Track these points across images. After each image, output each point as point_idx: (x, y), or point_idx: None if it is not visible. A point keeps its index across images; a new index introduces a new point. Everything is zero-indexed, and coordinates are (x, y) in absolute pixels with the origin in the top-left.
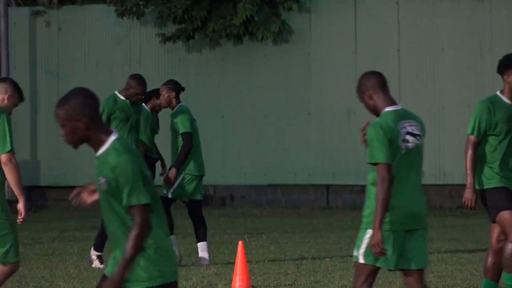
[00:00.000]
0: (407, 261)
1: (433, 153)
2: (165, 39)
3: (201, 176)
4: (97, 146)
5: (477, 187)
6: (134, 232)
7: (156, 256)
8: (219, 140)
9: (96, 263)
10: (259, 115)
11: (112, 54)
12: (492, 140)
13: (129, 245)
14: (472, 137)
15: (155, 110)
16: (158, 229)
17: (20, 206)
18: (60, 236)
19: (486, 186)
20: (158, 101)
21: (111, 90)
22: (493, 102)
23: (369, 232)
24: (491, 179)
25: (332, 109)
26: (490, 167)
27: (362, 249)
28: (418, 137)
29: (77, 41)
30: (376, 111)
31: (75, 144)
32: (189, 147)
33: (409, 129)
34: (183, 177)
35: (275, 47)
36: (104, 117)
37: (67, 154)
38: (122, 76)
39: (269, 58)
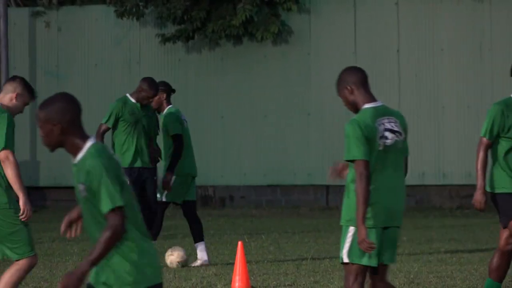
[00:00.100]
0: (380, 256)
1: (433, 153)
2: (165, 39)
3: (193, 177)
4: (73, 151)
5: (488, 189)
6: (105, 234)
7: (140, 260)
8: (219, 141)
9: None
10: (259, 116)
11: (111, 54)
12: (504, 142)
13: (98, 245)
14: (485, 139)
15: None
16: (138, 233)
17: (20, 203)
18: (60, 237)
19: (498, 191)
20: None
21: (111, 91)
22: (508, 104)
23: (351, 230)
24: (504, 184)
25: (332, 109)
26: (503, 170)
27: (345, 248)
28: (397, 134)
29: (77, 41)
30: (355, 107)
31: (51, 147)
32: (180, 149)
33: (388, 125)
34: (174, 179)
35: (275, 47)
36: (112, 119)
37: (66, 154)
38: (122, 77)
39: (268, 58)
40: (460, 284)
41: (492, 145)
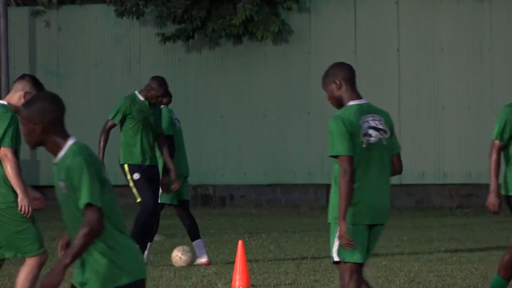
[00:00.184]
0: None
1: (433, 153)
2: (165, 39)
3: (185, 177)
4: (54, 151)
5: (502, 192)
6: (83, 230)
7: (119, 256)
8: (219, 140)
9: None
10: (259, 115)
11: (111, 54)
12: None
13: (76, 241)
14: (497, 142)
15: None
16: (118, 230)
17: (18, 201)
18: (60, 236)
19: None
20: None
21: (111, 90)
22: None
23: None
24: None
25: (332, 108)
26: None
27: (335, 247)
28: (382, 132)
29: (77, 41)
30: (339, 102)
31: (32, 145)
32: (172, 151)
33: (372, 123)
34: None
35: (275, 47)
36: (118, 116)
37: None
38: (122, 76)
39: (268, 58)
40: (461, 283)
41: (504, 148)
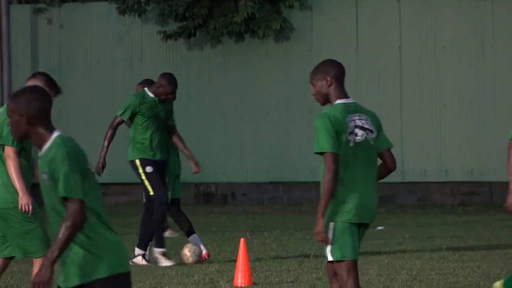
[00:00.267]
0: None
1: (434, 150)
2: (167, 36)
3: (176, 176)
4: (39, 143)
5: None
6: (65, 223)
7: (101, 249)
8: (221, 138)
9: (163, 261)
10: (261, 113)
11: (113, 51)
12: None
13: (60, 234)
14: None
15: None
16: (100, 223)
17: (19, 199)
18: None
19: None
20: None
21: (113, 88)
22: None
23: (331, 226)
24: None
25: None
26: None
27: (328, 247)
28: (368, 131)
29: (79, 38)
30: (325, 99)
31: (18, 137)
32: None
33: (359, 122)
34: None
35: (277, 44)
36: (127, 113)
37: None
38: (124, 74)
39: (270, 55)
40: (463, 281)
41: None
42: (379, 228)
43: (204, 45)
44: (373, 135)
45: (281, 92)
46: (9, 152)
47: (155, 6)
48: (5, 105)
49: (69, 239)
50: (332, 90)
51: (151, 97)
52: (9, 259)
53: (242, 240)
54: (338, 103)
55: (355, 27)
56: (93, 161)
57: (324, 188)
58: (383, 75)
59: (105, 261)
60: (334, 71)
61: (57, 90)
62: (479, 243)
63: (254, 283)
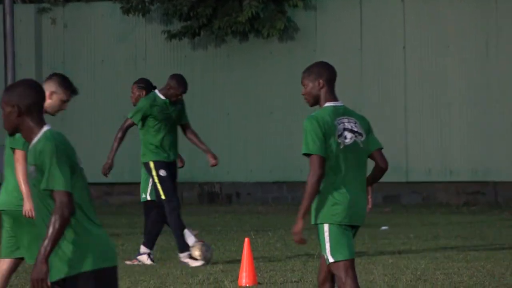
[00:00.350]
0: None
1: (439, 150)
2: (171, 36)
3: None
4: (29, 136)
5: None
6: (53, 217)
7: (87, 242)
8: (225, 138)
9: (190, 262)
10: (265, 112)
11: (117, 51)
12: None
13: (50, 228)
14: None
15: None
16: (85, 217)
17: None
18: None
19: None
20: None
21: (117, 87)
22: None
23: (326, 228)
24: None
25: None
26: None
27: (327, 249)
28: (357, 134)
29: (83, 38)
30: (315, 101)
31: (10, 129)
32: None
33: (348, 125)
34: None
35: (281, 44)
36: (138, 116)
37: None
38: (128, 73)
39: (274, 55)
40: (467, 280)
41: None
42: (384, 228)
43: (208, 44)
44: (362, 138)
45: (285, 92)
46: (18, 156)
47: (159, 5)
48: None
49: (60, 232)
50: (323, 93)
51: (162, 99)
52: (20, 260)
53: (246, 239)
54: (327, 106)
55: (359, 27)
56: (97, 160)
57: (307, 190)
58: (387, 75)
59: (90, 255)
60: (327, 74)
61: (73, 90)
62: (484, 243)
63: (259, 283)
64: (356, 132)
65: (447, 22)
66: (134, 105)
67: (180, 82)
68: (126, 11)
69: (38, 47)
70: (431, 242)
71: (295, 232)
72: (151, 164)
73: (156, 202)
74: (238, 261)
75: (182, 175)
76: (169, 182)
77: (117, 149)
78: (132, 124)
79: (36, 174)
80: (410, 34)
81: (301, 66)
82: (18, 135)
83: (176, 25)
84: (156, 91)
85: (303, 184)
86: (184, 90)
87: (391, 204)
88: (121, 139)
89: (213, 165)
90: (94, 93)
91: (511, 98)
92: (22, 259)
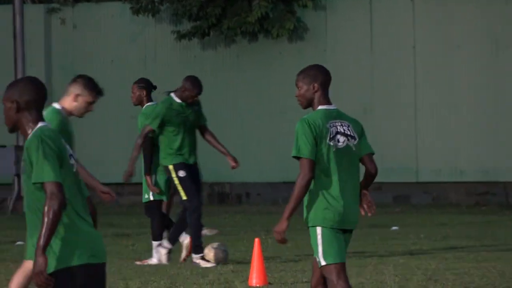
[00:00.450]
0: None
1: (449, 150)
2: (180, 36)
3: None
4: (25, 134)
5: None
6: (45, 209)
7: (75, 237)
8: (236, 138)
9: (201, 263)
10: (276, 113)
11: (127, 51)
12: None
13: (44, 220)
14: None
15: None
16: (74, 212)
17: None
18: None
19: None
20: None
21: (127, 88)
22: None
23: (319, 231)
24: None
25: (348, 106)
26: None
27: (320, 252)
28: (350, 138)
29: (92, 38)
30: (308, 104)
31: (9, 126)
32: (148, 150)
33: (341, 128)
34: (155, 177)
35: (290, 44)
36: (156, 122)
37: None
38: (137, 74)
39: (284, 55)
40: (478, 281)
41: None
42: (394, 228)
43: (218, 45)
44: (355, 142)
45: (295, 92)
46: None
47: (168, 6)
48: None
49: (54, 222)
50: (317, 97)
51: (178, 103)
52: None
53: (256, 240)
54: (321, 109)
55: (369, 27)
56: (107, 160)
57: (295, 192)
58: (397, 75)
59: (78, 250)
60: (322, 78)
61: (98, 91)
62: (495, 243)
63: (269, 283)
64: (349, 135)
65: (457, 21)
66: (135, 105)
67: (194, 83)
68: (136, 12)
69: (47, 47)
70: (441, 242)
71: (278, 231)
72: (171, 167)
73: (180, 204)
74: (249, 261)
75: None
76: (189, 182)
77: (137, 157)
78: (152, 131)
79: (27, 170)
80: (420, 34)
81: None
82: None
83: (186, 25)
84: (172, 94)
85: None
86: (199, 91)
87: (401, 204)
88: (141, 146)
89: (234, 168)
90: (104, 94)
91: None
92: None
